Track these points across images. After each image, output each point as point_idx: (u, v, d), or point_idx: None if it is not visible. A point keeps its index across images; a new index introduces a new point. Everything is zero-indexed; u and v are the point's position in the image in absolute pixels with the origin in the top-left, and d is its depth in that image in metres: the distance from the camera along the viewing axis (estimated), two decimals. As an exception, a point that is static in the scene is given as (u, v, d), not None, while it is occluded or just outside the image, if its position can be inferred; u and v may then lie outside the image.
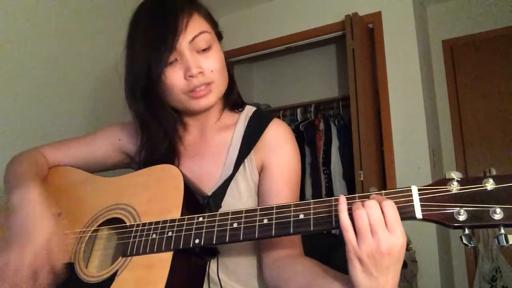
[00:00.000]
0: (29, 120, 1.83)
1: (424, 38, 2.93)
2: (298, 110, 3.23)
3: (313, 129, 3.03)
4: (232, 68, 3.34)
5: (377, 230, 0.55)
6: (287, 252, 0.80)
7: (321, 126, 3.01)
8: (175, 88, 0.81)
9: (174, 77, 0.80)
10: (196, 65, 0.79)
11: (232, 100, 0.93)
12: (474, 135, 2.94)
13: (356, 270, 0.56)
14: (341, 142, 2.92)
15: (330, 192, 2.88)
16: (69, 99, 2.02)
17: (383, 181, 2.56)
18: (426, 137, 2.49)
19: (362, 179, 2.35)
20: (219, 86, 0.84)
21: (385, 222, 0.56)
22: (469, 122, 2.97)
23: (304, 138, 3.03)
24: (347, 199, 0.61)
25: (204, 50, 0.81)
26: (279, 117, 3.16)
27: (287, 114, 3.31)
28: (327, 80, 3.54)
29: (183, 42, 0.78)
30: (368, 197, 0.60)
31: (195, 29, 0.79)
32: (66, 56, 2.02)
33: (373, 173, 2.44)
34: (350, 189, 2.78)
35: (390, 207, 0.56)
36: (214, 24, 0.88)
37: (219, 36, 0.90)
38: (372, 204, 0.56)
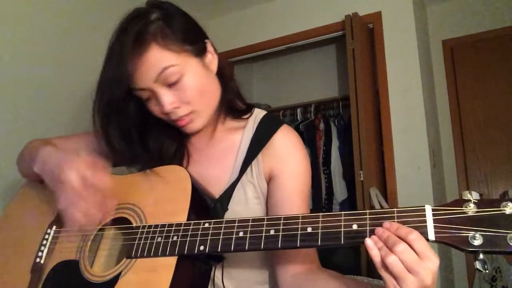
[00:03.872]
0: (28, 120, 1.83)
1: (424, 38, 2.93)
2: (298, 110, 3.22)
3: (313, 129, 3.03)
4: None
5: (418, 270, 0.53)
6: (306, 266, 0.78)
7: (321, 126, 3.01)
8: (160, 118, 0.81)
9: (156, 111, 0.80)
10: (169, 102, 0.76)
11: (232, 106, 0.89)
12: (474, 135, 2.94)
13: None
14: (341, 142, 2.92)
15: (330, 192, 2.88)
16: (70, 99, 2.02)
17: (383, 181, 2.56)
18: (426, 137, 2.49)
19: (362, 179, 2.35)
20: (202, 111, 0.81)
21: (418, 254, 0.54)
22: (469, 122, 2.97)
23: (304, 138, 3.03)
24: (355, 214, 0.60)
25: (174, 83, 0.75)
26: (279, 117, 3.19)
27: (287, 114, 3.30)
28: (327, 80, 3.53)
29: (147, 82, 0.75)
30: (379, 214, 0.59)
31: (155, 66, 0.73)
32: (66, 56, 2.02)
33: (373, 173, 2.44)
34: (350, 189, 2.78)
35: (419, 240, 0.54)
36: (189, 42, 0.78)
37: (200, 52, 0.80)
38: (403, 249, 0.54)
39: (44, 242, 0.82)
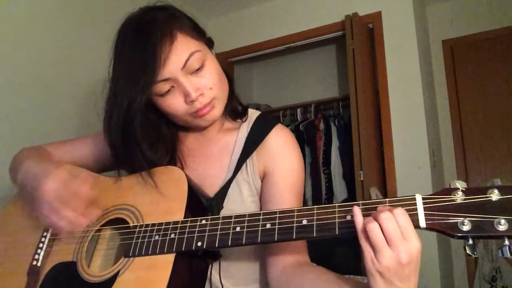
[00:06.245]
0: (29, 120, 1.83)
1: (424, 38, 2.93)
2: (298, 110, 3.23)
3: (313, 129, 3.03)
4: (232, 71, 3.34)
5: (396, 243, 0.54)
6: (294, 259, 0.79)
7: (321, 126, 3.01)
8: (179, 113, 0.80)
9: (175, 104, 0.78)
10: (195, 89, 0.77)
11: (232, 107, 0.90)
12: (474, 135, 2.94)
13: (378, 284, 0.56)
14: (341, 142, 2.92)
15: (330, 192, 2.88)
16: (71, 99, 2.02)
17: (383, 181, 2.56)
18: (426, 137, 2.49)
19: (362, 179, 2.35)
20: (221, 97, 0.83)
21: (400, 230, 0.55)
22: (469, 122, 2.97)
23: (304, 138, 3.03)
24: (349, 206, 0.61)
25: (198, 69, 0.77)
26: (279, 117, 3.20)
27: (287, 114, 3.30)
28: (327, 80, 3.54)
29: (174, 70, 0.75)
30: (371, 204, 0.60)
31: (183, 53, 0.75)
32: (67, 56, 2.02)
33: (373, 173, 2.44)
34: (350, 189, 2.78)
35: (402, 215, 0.55)
36: (201, 33, 0.82)
37: (210, 44, 0.85)
38: (387, 216, 0.55)
39: (41, 245, 0.82)
